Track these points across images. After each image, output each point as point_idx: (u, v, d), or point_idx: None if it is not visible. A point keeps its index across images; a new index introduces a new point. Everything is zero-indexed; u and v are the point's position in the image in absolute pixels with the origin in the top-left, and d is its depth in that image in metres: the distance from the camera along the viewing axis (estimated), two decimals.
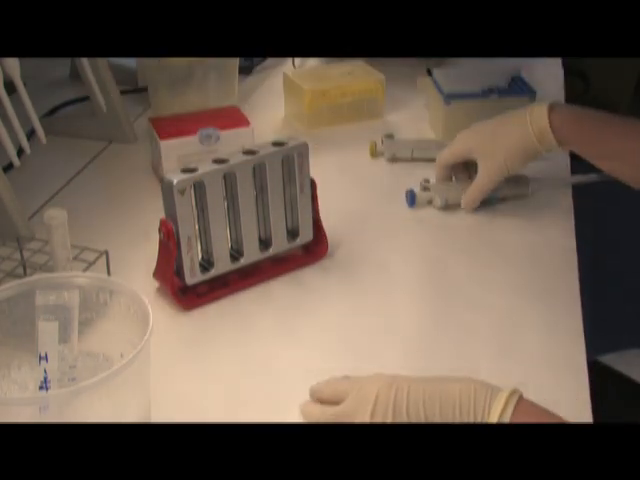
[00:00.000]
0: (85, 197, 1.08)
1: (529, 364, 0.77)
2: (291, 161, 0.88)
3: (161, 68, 1.22)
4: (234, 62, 1.27)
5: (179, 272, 0.84)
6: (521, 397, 0.61)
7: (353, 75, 1.29)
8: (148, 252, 0.88)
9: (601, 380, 0.76)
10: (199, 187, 0.83)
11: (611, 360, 1.10)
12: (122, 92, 1.23)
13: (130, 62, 1.40)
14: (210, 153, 1.04)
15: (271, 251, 0.90)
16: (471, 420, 0.60)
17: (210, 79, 1.23)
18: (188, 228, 0.83)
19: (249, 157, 0.86)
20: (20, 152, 0.99)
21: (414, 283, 0.90)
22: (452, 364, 0.76)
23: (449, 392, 0.61)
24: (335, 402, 0.67)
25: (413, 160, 1.15)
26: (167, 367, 0.76)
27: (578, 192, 1.05)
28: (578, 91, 2.04)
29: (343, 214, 1.02)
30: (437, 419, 0.61)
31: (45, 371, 0.65)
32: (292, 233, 0.91)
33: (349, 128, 1.26)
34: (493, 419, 0.59)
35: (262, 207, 0.88)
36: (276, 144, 0.88)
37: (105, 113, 1.19)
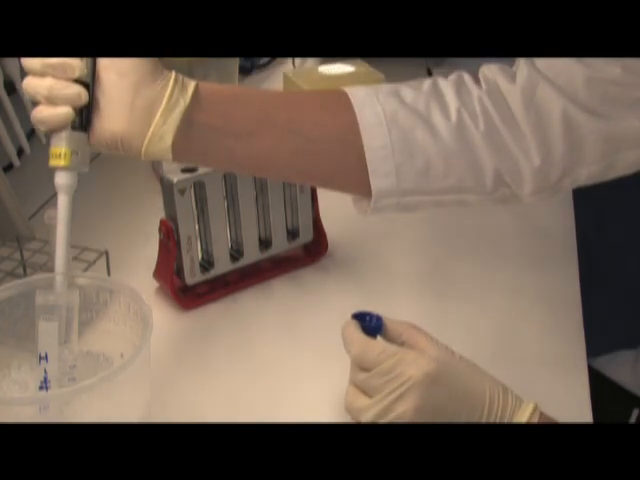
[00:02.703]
0: (85, 197, 1.07)
1: (529, 364, 0.77)
2: None
3: None
4: (234, 62, 1.27)
5: (179, 272, 0.84)
6: (541, 412, 0.61)
7: (353, 75, 1.29)
8: (148, 252, 0.88)
9: (591, 385, 0.76)
10: (199, 187, 0.83)
11: (600, 364, 1.10)
12: None
13: None
14: None
15: (271, 251, 0.90)
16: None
17: (210, 79, 1.23)
18: (188, 228, 0.83)
19: None
20: (20, 152, 0.99)
21: (414, 283, 0.90)
22: None
23: (477, 395, 0.61)
24: (363, 367, 0.64)
25: None
26: (167, 367, 0.76)
27: (578, 193, 1.05)
28: None
29: (343, 214, 1.01)
30: (463, 420, 0.61)
31: (45, 371, 0.65)
32: (292, 233, 0.91)
33: None
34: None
35: (262, 207, 0.88)
36: None
37: None
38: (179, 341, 0.82)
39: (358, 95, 0.69)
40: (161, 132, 0.62)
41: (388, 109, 0.68)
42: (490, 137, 0.68)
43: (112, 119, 0.62)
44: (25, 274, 0.86)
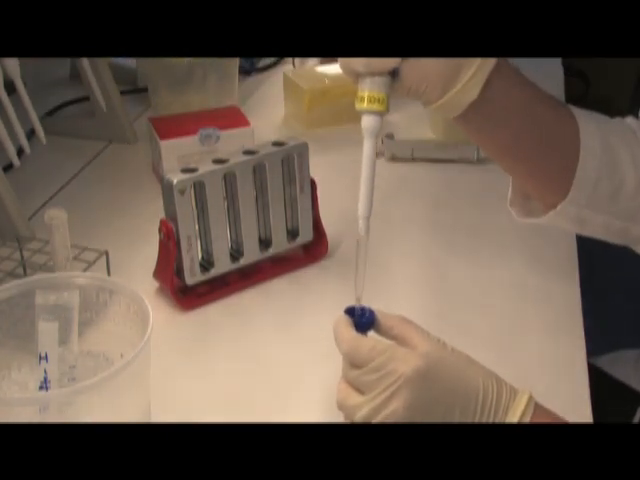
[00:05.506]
0: (85, 197, 1.08)
1: (529, 364, 0.77)
2: (291, 161, 0.88)
3: (161, 68, 1.22)
4: (234, 62, 1.27)
5: (179, 272, 0.84)
6: (536, 403, 0.61)
7: None
8: (148, 252, 0.88)
9: (594, 384, 0.76)
10: (199, 187, 0.83)
11: (604, 363, 1.10)
12: (122, 92, 1.23)
13: (130, 62, 1.40)
14: (210, 153, 1.04)
15: (271, 251, 0.90)
16: (491, 416, 0.60)
17: (210, 79, 1.23)
18: (188, 228, 0.83)
19: (249, 157, 0.86)
20: (20, 152, 0.99)
21: (414, 283, 0.90)
22: None
23: (470, 388, 0.61)
24: (355, 364, 0.63)
25: (413, 160, 1.15)
26: (167, 367, 0.76)
27: None
28: (578, 91, 2.04)
29: (343, 214, 1.01)
30: (457, 413, 0.60)
31: (45, 371, 0.65)
32: (292, 233, 0.91)
33: (349, 128, 1.26)
34: (513, 420, 0.59)
35: (262, 207, 0.88)
36: (276, 144, 0.88)
37: (105, 113, 1.20)
38: (179, 341, 0.82)
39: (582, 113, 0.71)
40: (471, 84, 0.64)
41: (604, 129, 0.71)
42: None
43: (423, 65, 0.64)
44: (25, 274, 0.86)
